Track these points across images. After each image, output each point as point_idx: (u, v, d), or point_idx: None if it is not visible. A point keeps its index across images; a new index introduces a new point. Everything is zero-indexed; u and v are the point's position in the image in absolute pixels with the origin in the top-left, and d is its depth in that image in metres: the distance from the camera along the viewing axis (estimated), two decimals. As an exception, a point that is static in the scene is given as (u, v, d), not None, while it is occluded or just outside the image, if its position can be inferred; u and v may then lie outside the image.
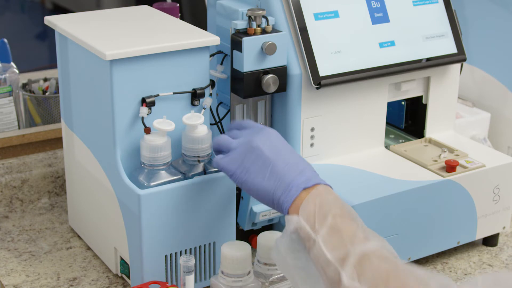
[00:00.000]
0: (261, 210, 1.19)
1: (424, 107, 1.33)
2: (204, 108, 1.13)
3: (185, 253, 1.12)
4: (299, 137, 1.21)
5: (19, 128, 1.46)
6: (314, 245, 0.91)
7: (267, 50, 1.13)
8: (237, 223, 1.20)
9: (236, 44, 1.14)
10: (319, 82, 1.17)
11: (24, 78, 1.54)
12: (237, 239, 1.17)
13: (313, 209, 0.94)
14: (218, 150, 1.06)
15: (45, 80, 1.55)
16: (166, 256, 1.10)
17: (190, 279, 1.02)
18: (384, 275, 0.85)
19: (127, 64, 1.06)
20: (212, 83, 1.15)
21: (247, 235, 1.23)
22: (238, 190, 1.20)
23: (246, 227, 1.21)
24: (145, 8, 1.27)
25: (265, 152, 0.99)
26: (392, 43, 1.25)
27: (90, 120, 1.16)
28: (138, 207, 1.06)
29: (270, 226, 1.25)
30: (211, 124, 1.20)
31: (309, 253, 0.93)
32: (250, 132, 1.05)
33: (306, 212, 0.94)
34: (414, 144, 1.32)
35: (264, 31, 1.15)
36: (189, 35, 1.13)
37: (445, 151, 1.28)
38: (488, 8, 1.53)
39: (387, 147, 1.31)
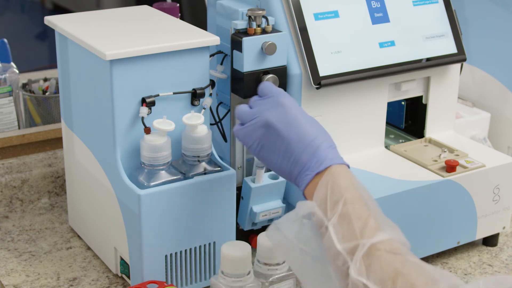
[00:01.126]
0: (261, 210, 1.19)
1: (424, 107, 1.33)
2: (204, 108, 1.13)
3: (185, 253, 1.12)
4: (299, 137, 1.21)
5: (19, 128, 1.46)
6: (326, 232, 0.89)
7: (267, 50, 1.13)
8: (237, 223, 1.20)
9: (236, 44, 1.14)
10: (319, 82, 1.17)
11: (24, 78, 1.54)
12: (237, 239, 1.17)
13: (325, 194, 0.92)
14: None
15: (45, 80, 1.55)
16: (166, 256, 1.10)
17: (260, 172, 1.17)
18: (392, 272, 0.83)
19: (127, 64, 1.06)
20: (212, 83, 1.15)
21: (247, 235, 1.23)
22: (238, 190, 1.20)
23: (246, 227, 1.21)
24: (145, 8, 1.27)
25: (280, 130, 0.97)
26: (392, 43, 1.25)
27: (90, 120, 1.16)
28: (138, 207, 1.06)
29: (270, 226, 1.25)
30: (211, 124, 1.20)
31: (322, 240, 0.91)
32: (267, 104, 1.01)
33: (318, 198, 0.92)
34: (414, 144, 1.32)
35: (264, 31, 1.15)
36: (189, 35, 1.13)
37: (445, 151, 1.28)
38: (488, 8, 1.53)
39: (387, 147, 1.31)
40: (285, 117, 0.98)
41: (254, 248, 1.13)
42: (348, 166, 0.97)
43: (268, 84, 1.04)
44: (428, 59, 1.27)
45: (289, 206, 1.22)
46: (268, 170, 1.21)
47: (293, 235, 0.94)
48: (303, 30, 1.18)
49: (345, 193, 0.91)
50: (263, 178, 1.19)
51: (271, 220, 1.23)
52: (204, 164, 1.12)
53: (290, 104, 1.00)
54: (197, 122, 1.09)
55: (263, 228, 1.22)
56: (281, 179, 1.20)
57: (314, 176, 0.94)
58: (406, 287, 0.81)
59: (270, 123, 0.98)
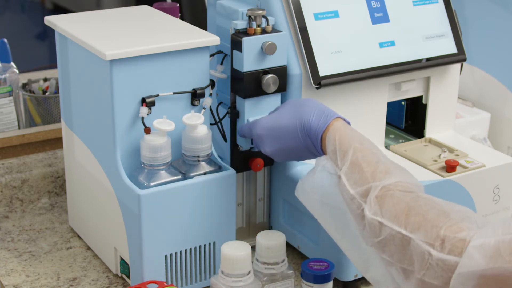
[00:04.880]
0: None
1: (424, 107, 1.33)
2: (204, 108, 1.14)
3: (185, 253, 1.12)
4: (299, 137, 1.21)
5: (19, 128, 1.46)
6: (340, 181, 0.95)
7: (267, 50, 1.13)
8: (236, 148, 1.17)
9: (236, 44, 1.14)
10: (319, 82, 1.17)
11: (24, 78, 1.54)
12: (237, 162, 1.16)
13: (334, 146, 0.98)
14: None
15: (45, 80, 1.55)
16: (166, 256, 1.10)
17: None
18: (405, 207, 0.87)
19: (127, 64, 1.06)
20: (212, 83, 1.15)
21: (246, 160, 1.20)
22: (233, 108, 1.18)
23: (246, 145, 1.18)
24: (145, 8, 1.27)
25: (272, 136, 1.07)
26: (392, 43, 1.25)
27: (90, 120, 1.16)
28: (138, 207, 1.06)
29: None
30: (211, 124, 1.20)
31: (337, 189, 0.97)
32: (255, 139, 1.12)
33: (329, 151, 0.99)
34: (414, 144, 1.32)
35: (264, 31, 1.15)
36: (189, 35, 1.13)
37: (445, 151, 1.28)
38: (488, 8, 1.53)
39: (387, 147, 1.31)
40: (267, 123, 1.08)
41: (253, 171, 1.13)
42: (348, 123, 1.03)
43: (243, 126, 1.14)
44: (428, 59, 1.27)
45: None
46: None
47: (312, 189, 1.00)
48: (303, 30, 1.18)
49: (353, 143, 0.97)
50: None
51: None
52: (204, 164, 1.12)
53: (261, 120, 1.10)
54: (197, 122, 1.09)
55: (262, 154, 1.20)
56: None
57: (322, 134, 1.01)
58: (418, 219, 0.85)
59: (260, 135, 1.08)
